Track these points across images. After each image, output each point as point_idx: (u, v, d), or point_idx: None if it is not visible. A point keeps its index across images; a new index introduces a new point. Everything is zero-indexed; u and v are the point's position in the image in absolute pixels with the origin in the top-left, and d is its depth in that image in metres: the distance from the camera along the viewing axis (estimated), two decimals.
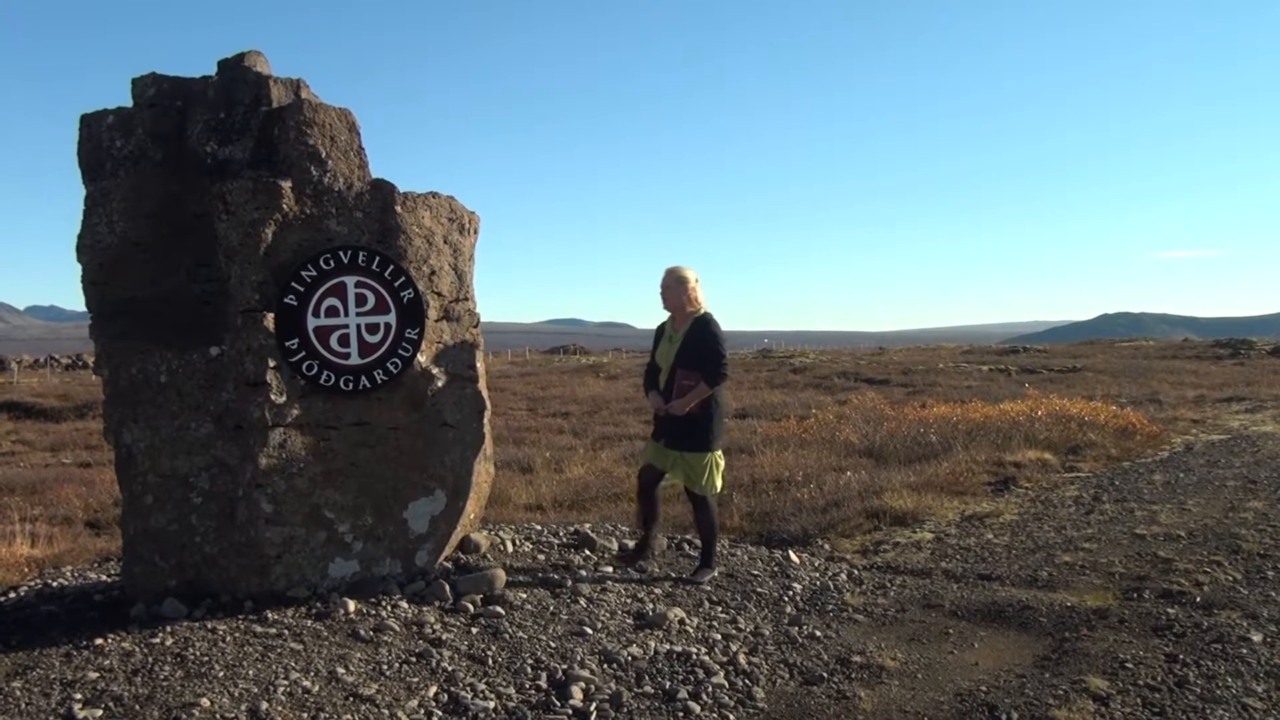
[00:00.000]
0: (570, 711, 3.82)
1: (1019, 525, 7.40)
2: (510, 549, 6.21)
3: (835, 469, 9.88)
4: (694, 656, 4.38)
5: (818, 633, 4.83)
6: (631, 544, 6.31)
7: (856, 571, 6.14)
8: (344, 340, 5.14)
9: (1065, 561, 6.17)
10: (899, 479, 9.06)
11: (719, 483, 5.73)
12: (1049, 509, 8.00)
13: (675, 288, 5.68)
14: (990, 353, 42.02)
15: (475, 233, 5.94)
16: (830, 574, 6.04)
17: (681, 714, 3.84)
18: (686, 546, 6.49)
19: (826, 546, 6.98)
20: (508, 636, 4.58)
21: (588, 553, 6.23)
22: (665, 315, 5.91)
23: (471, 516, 5.89)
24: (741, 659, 4.40)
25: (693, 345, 5.58)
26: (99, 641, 4.39)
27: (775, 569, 6.06)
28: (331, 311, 5.12)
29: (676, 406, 5.55)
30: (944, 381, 24.31)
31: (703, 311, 5.70)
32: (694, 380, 5.53)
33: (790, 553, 6.51)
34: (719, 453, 5.72)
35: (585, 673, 4.16)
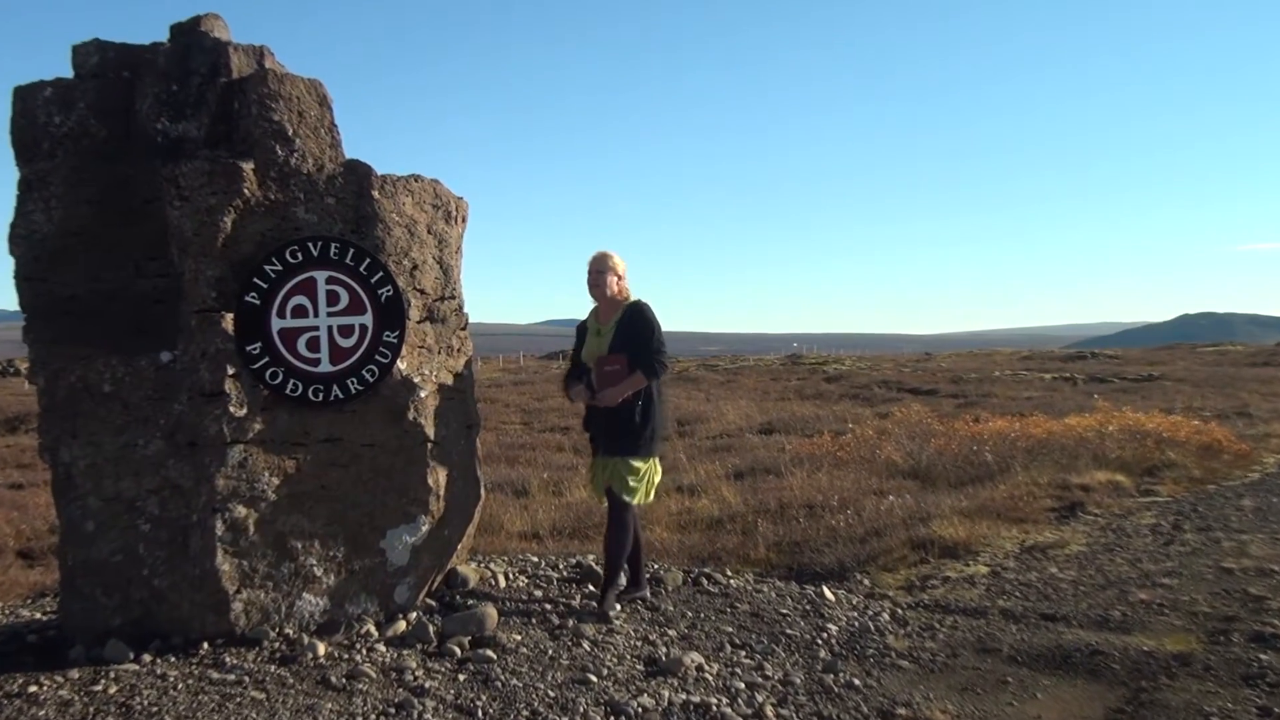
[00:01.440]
0: None
1: (1087, 557, 7.36)
2: (503, 584, 6.20)
3: (876, 492, 9.86)
4: (714, 708, 4.36)
5: (856, 681, 4.80)
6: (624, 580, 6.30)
7: (900, 610, 6.11)
8: (313, 344, 5.16)
9: (1141, 599, 6.13)
10: (949, 504, 9.03)
11: (645, 495, 5.78)
12: (1122, 539, 7.96)
13: (608, 274, 5.77)
14: (1054, 359, 41.87)
15: (463, 221, 5.95)
16: (870, 613, 6.01)
17: None
18: (705, 581, 6.48)
19: (866, 582, 6.95)
20: (500, 684, 4.57)
21: (591, 588, 6.23)
22: (586, 311, 5.99)
23: (459, 547, 5.89)
24: (769, 711, 4.38)
25: (626, 335, 5.67)
26: (33, 689, 4.40)
27: (807, 607, 6.04)
28: (299, 311, 5.14)
29: (608, 396, 5.59)
30: (1000, 392, 24.22)
31: (634, 299, 5.80)
32: (620, 364, 5.61)
33: (824, 589, 6.49)
34: (657, 461, 5.83)
35: None
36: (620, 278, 5.80)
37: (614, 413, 5.64)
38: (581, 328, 6.02)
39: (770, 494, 9.96)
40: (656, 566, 6.87)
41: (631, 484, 5.67)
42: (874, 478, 10.87)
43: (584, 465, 13.14)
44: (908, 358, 50.73)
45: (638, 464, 5.68)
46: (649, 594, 6.06)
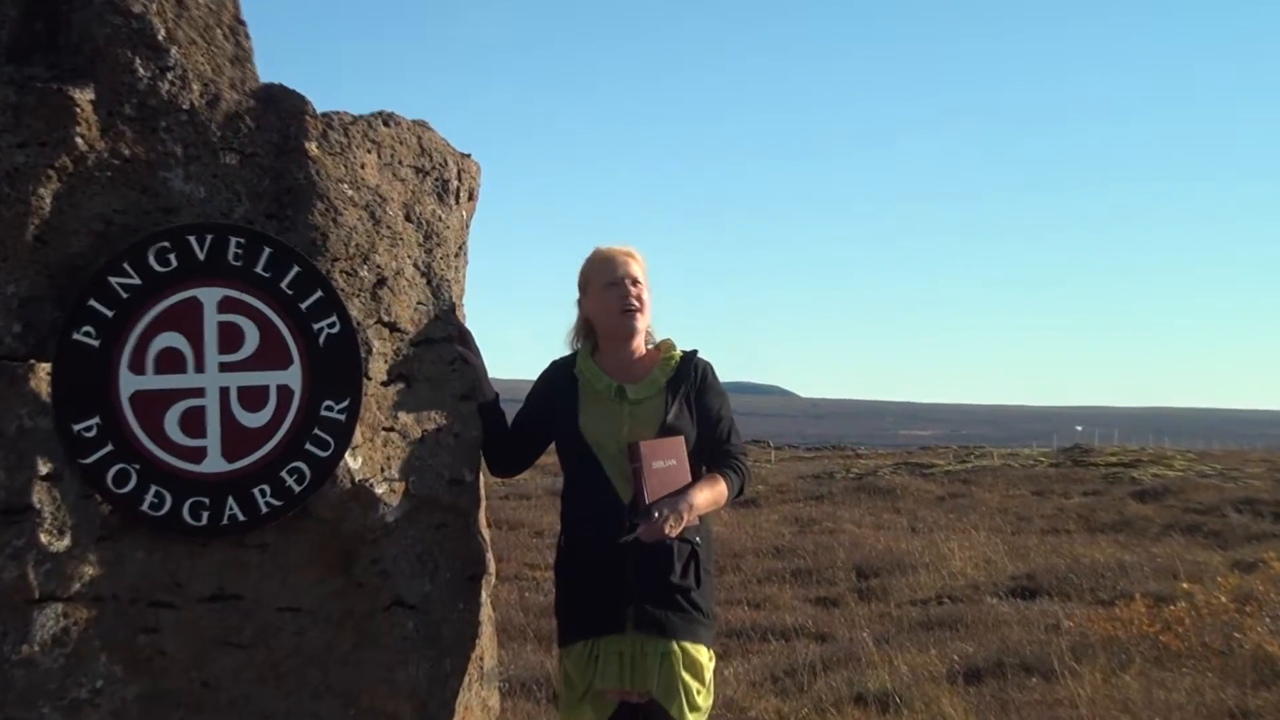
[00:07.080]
0: None
1: None
2: None
3: (1233, 716, 9.72)
4: None
5: None
6: None
7: None
8: (193, 423, 5.15)
9: None
10: None
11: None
12: None
13: (648, 286, 5.83)
14: None
15: (471, 199, 5.95)
16: None
17: None
18: None
19: None
20: None
21: None
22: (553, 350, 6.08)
23: None
24: None
25: (694, 408, 5.73)
26: None
27: None
28: (169, 361, 5.14)
29: (672, 520, 5.35)
30: None
31: (676, 345, 5.90)
32: (680, 456, 5.53)
33: None
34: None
35: None
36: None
37: (659, 552, 5.51)
38: (561, 376, 5.96)
39: (1033, 713, 9.94)
40: None
41: (700, 699, 5.56)
42: (1230, 686, 10.71)
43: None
44: None
45: (705, 657, 5.62)
46: None
